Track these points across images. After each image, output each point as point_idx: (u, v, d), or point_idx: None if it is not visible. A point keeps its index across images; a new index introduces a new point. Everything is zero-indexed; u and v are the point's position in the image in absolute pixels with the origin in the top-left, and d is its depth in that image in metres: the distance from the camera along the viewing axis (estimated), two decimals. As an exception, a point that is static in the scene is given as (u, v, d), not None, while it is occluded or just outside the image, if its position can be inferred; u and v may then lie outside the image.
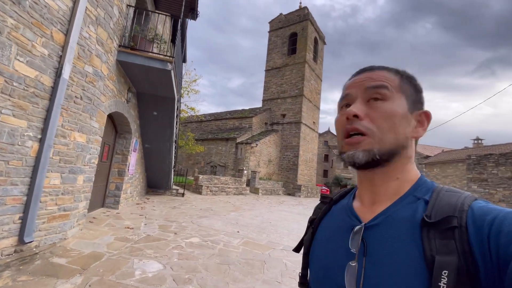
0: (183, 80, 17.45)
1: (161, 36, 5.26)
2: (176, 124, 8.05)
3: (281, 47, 25.68)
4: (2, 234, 2.60)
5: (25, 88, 2.72)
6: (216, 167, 20.59)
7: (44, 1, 2.84)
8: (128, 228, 4.74)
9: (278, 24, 26.37)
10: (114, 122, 6.01)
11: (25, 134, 2.78)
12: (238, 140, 20.11)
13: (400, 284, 0.39)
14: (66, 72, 3.15)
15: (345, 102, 0.53)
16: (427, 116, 0.51)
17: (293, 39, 25.22)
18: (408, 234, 0.42)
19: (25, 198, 2.82)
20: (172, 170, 9.33)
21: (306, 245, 0.60)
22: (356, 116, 0.48)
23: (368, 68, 0.53)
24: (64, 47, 3.13)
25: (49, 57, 2.97)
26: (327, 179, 40.21)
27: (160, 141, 7.73)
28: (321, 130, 48.62)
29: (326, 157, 42.59)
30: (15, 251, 2.75)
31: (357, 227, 0.48)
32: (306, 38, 24.01)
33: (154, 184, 9.99)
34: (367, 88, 0.50)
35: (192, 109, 16.83)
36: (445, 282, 0.34)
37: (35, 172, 2.89)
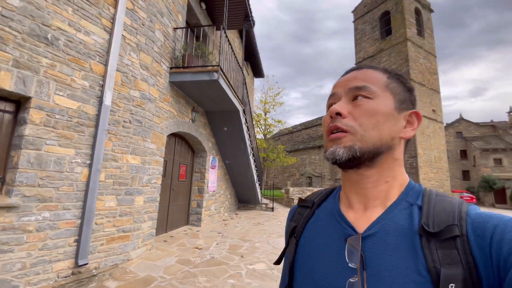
0: (266, 95, 17.81)
1: (207, 50, 5.16)
2: (250, 136, 7.83)
3: (371, 33, 22.43)
4: (57, 257, 2.78)
5: (69, 119, 2.96)
6: (311, 177, 19.36)
7: (79, 38, 3.09)
8: (196, 248, 4.58)
9: (364, 10, 23.34)
10: (189, 143, 6.33)
11: (73, 161, 2.99)
12: (334, 146, 18.21)
13: None
14: (107, 99, 3.32)
15: (331, 101, 0.52)
16: (418, 116, 0.49)
17: (385, 19, 21.57)
18: (407, 244, 0.40)
19: (78, 221, 3.00)
20: (257, 183, 9.10)
21: (289, 258, 0.53)
22: (339, 114, 0.47)
23: (356, 68, 0.53)
24: (104, 77, 3.33)
25: (91, 87, 3.19)
26: (469, 183, 30.10)
27: (237, 156, 7.67)
28: (449, 120, 37.97)
29: (464, 153, 32.02)
30: (72, 273, 2.90)
31: (352, 238, 0.44)
32: (403, 12, 19.93)
33: (244, 199, 10.06)
34: (351, 88, 0.49)
35: (279, 121, 16.74)
36: None
37: (86, 196, 3.06)
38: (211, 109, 6.22)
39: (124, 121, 3.65)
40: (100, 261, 3.23)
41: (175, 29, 4.84)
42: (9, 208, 2.43)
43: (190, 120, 5.62)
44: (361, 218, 0.47)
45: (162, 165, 4.48)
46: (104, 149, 3.30)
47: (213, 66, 4.61)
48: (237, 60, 6.11)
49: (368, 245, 0.43)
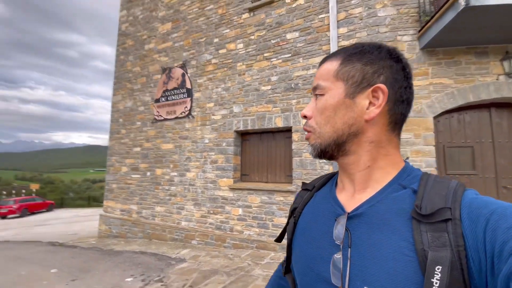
0: None
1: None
2: None
3: None
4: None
5: (314, 132, 4.23)
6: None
7: (309, 74, 4.32)
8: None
9: None
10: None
11: (321, 161, 4.11)
12: None
13: (389, 278, 0.37)
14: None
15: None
16: (382, 90, 0.45)
17: None
18: (396, 225, 0.40)
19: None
20: None
21: (288, 235, 0.58)
22: (305, 116, 0.51)
23: (328, 56, 0.52)
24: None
25: (324, 104, 4.18)
26: None
27: None
28: None
29: None
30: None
31: (340, 217, 0.46)
32: None
33: None
34: (312, 89, 0.51)
35: None
36: (438, 278, 0.33)
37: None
38: None
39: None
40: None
41: (413, -19, 3.77)
42: (291, 192, 4.28)
43: (504, 76, 3.45)
44: (351, 200, 0.48)
45: (433, 154, 3.55)
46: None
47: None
48: None
49: (355, 224, 0.44)
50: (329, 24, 4.13)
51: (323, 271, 0.45)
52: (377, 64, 0.47)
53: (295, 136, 4.38)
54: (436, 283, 0.33)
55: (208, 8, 5.68)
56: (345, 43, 4.03)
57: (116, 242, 6.00)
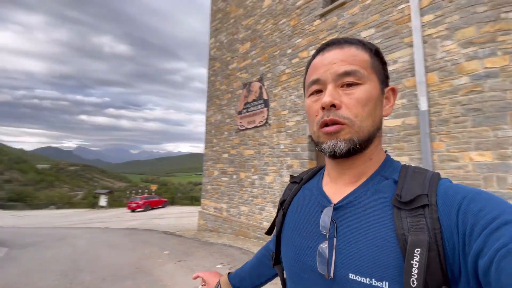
0: None
1: None
2: None
3: None
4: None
5: (397, 134, 3.85)
6: None
7: (390, 70, 3.99)
8: None
9: None
10: None
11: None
12: None
13: (372, 264, 0.39)
14: (422, 105, 3.57)
15: (316, 88, 0.48)
16: (394, 92, 0.50)
17: None
18: (379, 214, 0.42)
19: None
20: None
21: (277, 227, 0.59)
22: (333, 105, 0.44)
23: (336, 42, 0.48)
24: (415, 87, 3.68)
25: (408, 101, 3.77)
26: None
27: None
28: None
29: None
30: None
31: (326, 208, 0.47)
32: None
33: None
34: (339, 74, 0.45)
35: None
36: (418, 260, 0.35)
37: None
38: None
39: (454, 116, 3.35)
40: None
41: None
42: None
43: None
44: (338, 192, 0.49)
45: None
46: (432, 151, 3.45)
47: None
48: None
49: (340, 214, 0.45)
50: (410, 14, 3.74)
51: (310, 260, 0.47)
52: (385, 66, 0.51)
53: (374, 138, 4.10)
54: (415, 264, 0.35)
55: (281, 22, 6.05)
56: (432, 31, 3.55)
57: (210, 235, 6.99)
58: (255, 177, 6.29)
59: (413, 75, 3.69)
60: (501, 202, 0.36)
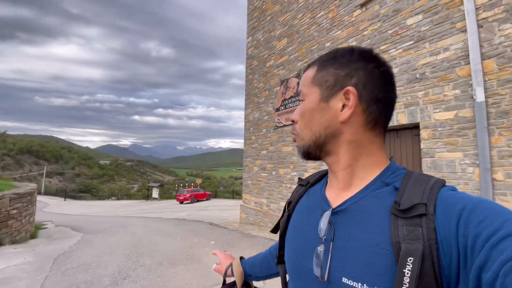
0: None
1: None
2: None
3: None
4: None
5: (449, 128, 3.56)
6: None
7: (439, 59, 3.68)
8: None
9: None
10: None
11: (462, 162, 3.40)
12: None
13: (365, 269, 0.40)
14: (479, 96, 3.24)
15: None
16: (351, 92, 0.47)
17: None
18: (376, 220, 0.42)
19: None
20: None
21: (282, 227, 0.62)
22: (293, 121, 0.55)
23: (305, 68, 0.56)
24: (470, 76, 3.34)
25: (462, 92, 3.45)
26: None
27: None
28: None
29: None
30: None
31: (325, 212, 0.48)
32: None
33: None
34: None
35: None
36: (410, 269, 0.35)
37: (481, 195, 3.17)
38: None
39: (519, 107, 2.97)
40: None
41: None
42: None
43: None
44: (338, 197, 0.50)
45: None
46: (490, 146, 3.12)
47: None
48: None
49: (338, 219, 0.46)
50: (464, -5, 3.37)
51: (308, 262, 0.48)
52: (349, 67, 0.48)
53: (424, 133, 3.84)
54: (407, 273, 0.35)
55: (318, 15, 5.92)
56: (488, 14, 3.17)
57: (252, 228, 7.29)
58: (294, 173, 6.35)
59: (468, 63, 3.35)
60: (503, 212, 0.35)
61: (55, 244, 6.53)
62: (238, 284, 0.84)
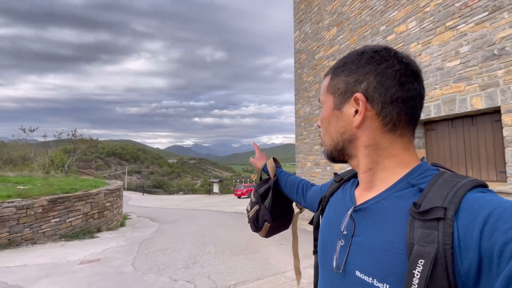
0: None
1: None
2: None
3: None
4: None
5: (543, 110, 2.95)
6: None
7: (527, 28, 3.07)
8: None
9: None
10: None
11: None
12: None
13: (377, 266, 0.41)
14: None
15: None
16: (359, 99, 0.48)
17: None
18: (394, 220, 0.43)
19: None
20: None
21: (315, 220, 0.66)
22: (319, 126, 0.59)
23: (325, 75, 0.58)
24: None
25: (562, 66, 2.82)
26: None
27: None
28: None
29: None
30: None
31: (350, 209, 0.51)
32: None
33: None
34: None
35: None
36: (420, 271, 0.35)
37: None
38: None
39: None
40: None
41: None
42: (504, 194, 3.22)
43: None
44: (363, 196, 0.52)
45: None
46: None
47: None
48: None
49: (359, 217, 0.49)
50: None
51: (331, 253, 0.52)
52: (357, 73, 0.49)
53: (507, 118, 3.27)
54: (417, 274, 0.35)
55: (370, -2, 5.51)
56: None
57: (305, 223, 7.28)
58: (350, 168, 6.09)
59: None
60: None
61: (139, 232, 7.77)
62: (271, 175, 1.01)
